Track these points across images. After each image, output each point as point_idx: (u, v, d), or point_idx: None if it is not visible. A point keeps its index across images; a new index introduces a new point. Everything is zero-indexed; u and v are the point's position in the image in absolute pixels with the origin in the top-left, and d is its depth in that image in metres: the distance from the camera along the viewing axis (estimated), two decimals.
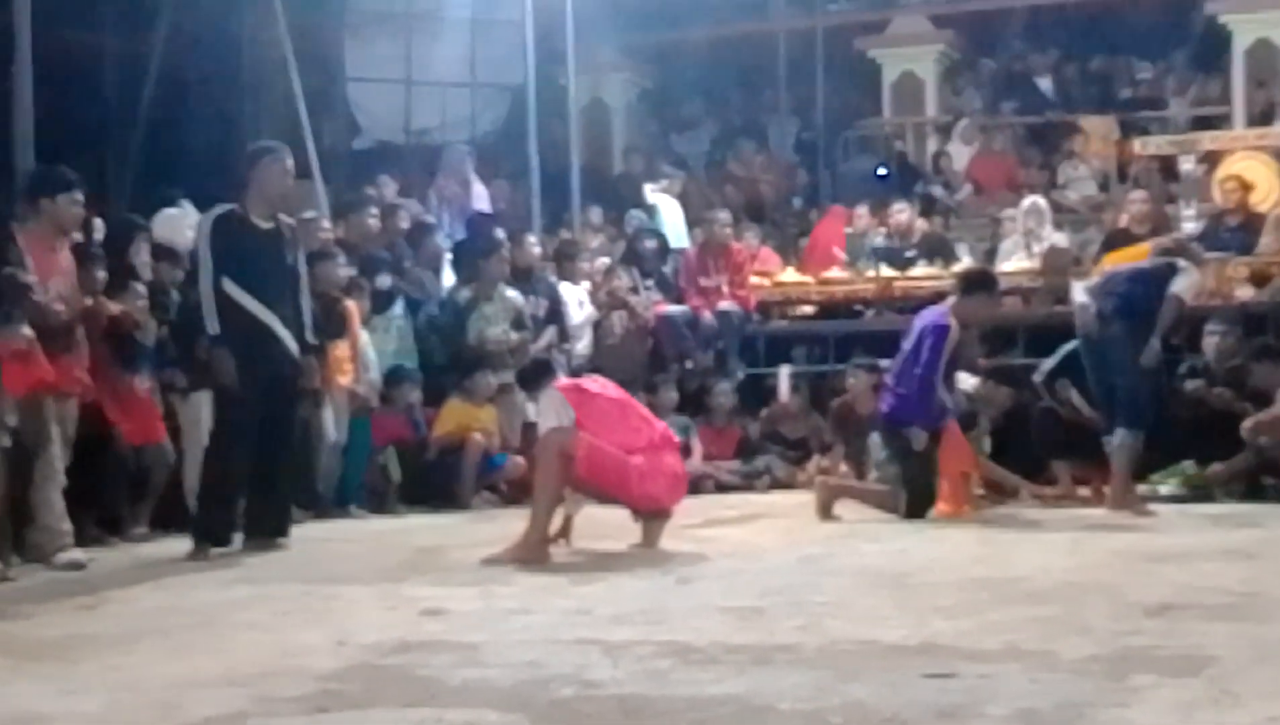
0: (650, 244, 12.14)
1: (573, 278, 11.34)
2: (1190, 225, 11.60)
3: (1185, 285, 8.09)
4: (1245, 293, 10.55)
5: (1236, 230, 11.08)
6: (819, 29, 15.93)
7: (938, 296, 10.10)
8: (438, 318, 10.28)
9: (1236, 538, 6.74)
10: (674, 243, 12.88)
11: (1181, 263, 8.21)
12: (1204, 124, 14.39)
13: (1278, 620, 4.49)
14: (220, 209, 7.23)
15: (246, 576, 6.32)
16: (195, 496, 7.47)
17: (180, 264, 8.64)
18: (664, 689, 3.76)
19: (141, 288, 8.09)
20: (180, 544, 7.23)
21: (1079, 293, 8.30)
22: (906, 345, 8.22)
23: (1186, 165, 12.21)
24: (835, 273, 12.25)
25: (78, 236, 7.55)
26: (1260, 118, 14.23)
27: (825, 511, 8.18)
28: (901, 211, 12.51)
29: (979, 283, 8.44)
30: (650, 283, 11.76)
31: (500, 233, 10.91)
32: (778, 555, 6.60)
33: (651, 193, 13.70)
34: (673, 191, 13.82)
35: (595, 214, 13.81)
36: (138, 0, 13.51)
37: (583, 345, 11.01)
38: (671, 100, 17.44)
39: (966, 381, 8.99)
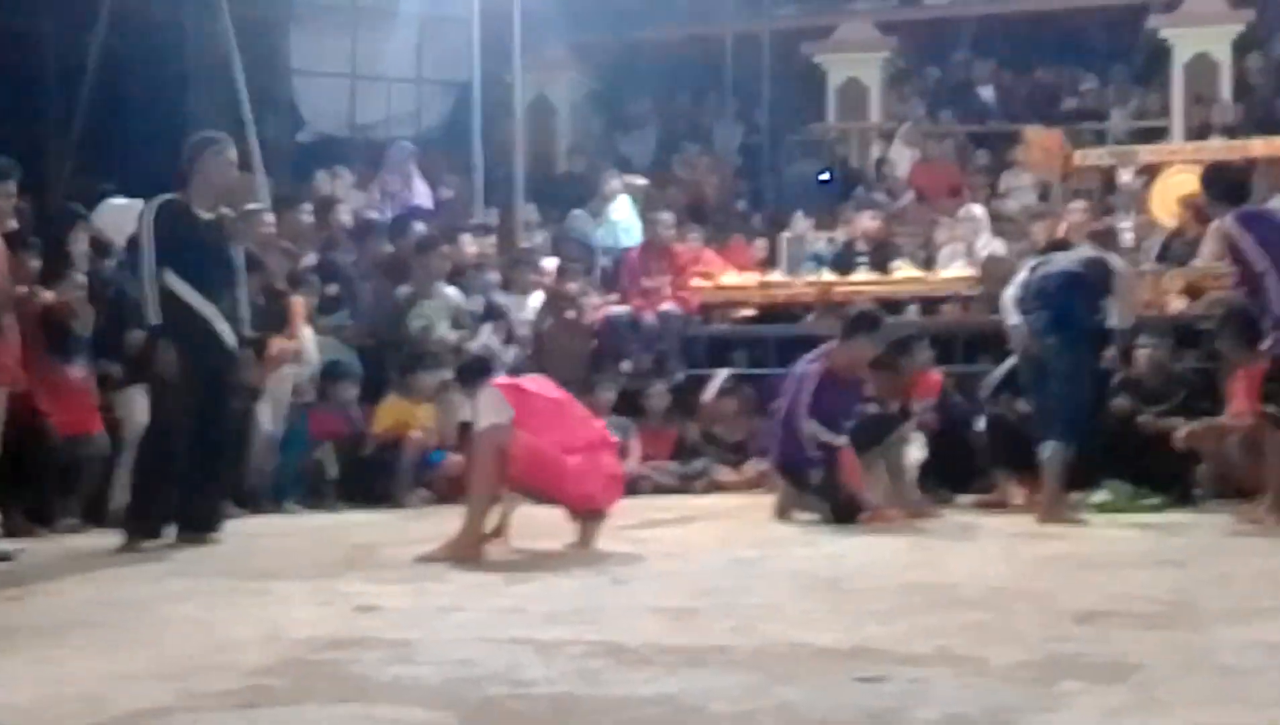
0: (575, 248, 12.12)
1: (524, 288, 11.29)
2: (1128, 236, 11.72)
3: (1125, 311, 8.14)
4: (1179, 304, 10.67)
5: (1189, 243, 11.21)
6: (766, 33, 15.97)
7: (878, 302, 10.23)
8: (376, 313, 10.24)
9: (1166, 546, 6.82)
10: (624, 240, 12.88)
11: (1115, 262, 8.23)
12: (1143, 136, 14.54)
13: (1205, 629, 4.54)
14: (162, 199, 7.18)
15: (178, 570, 6.28)
16: (129, 488, 7.40)
17: (114, 254, 8.58)
18: (596, 689, 3.77)
19: (80, 277, 8.01)
20: (111, 536, 7.18)
21: (1011, 312, 8.30)
22: (785, 388, 8.43)
23: (1125, 177, 12.32)
24: (776, 276, 12.29)
25: (12, 225, 7.46)
26: (1198, 132, 14.40)
27: (783, 513, 8.27)
28: (873, 219, 12.56)
29: (860, 325, 8.44)
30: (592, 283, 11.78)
31: (421, 227, 10.90)
32: (712, 557, 6.62)
33: (622, 183, 13.65)
34: (636, 192, 13.79)
35: (532, 211, 13.77)
36: None
37: (523, 346, 10.98)
38: (617, 101, 17.43)
39: None
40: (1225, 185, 7.53)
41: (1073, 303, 8.04)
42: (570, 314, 11.27)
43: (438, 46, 15.69)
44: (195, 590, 5.62)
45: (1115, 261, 8.33)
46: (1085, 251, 8.34)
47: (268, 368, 8.82)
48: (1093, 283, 8.08)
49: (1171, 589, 5.40)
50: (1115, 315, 8.06)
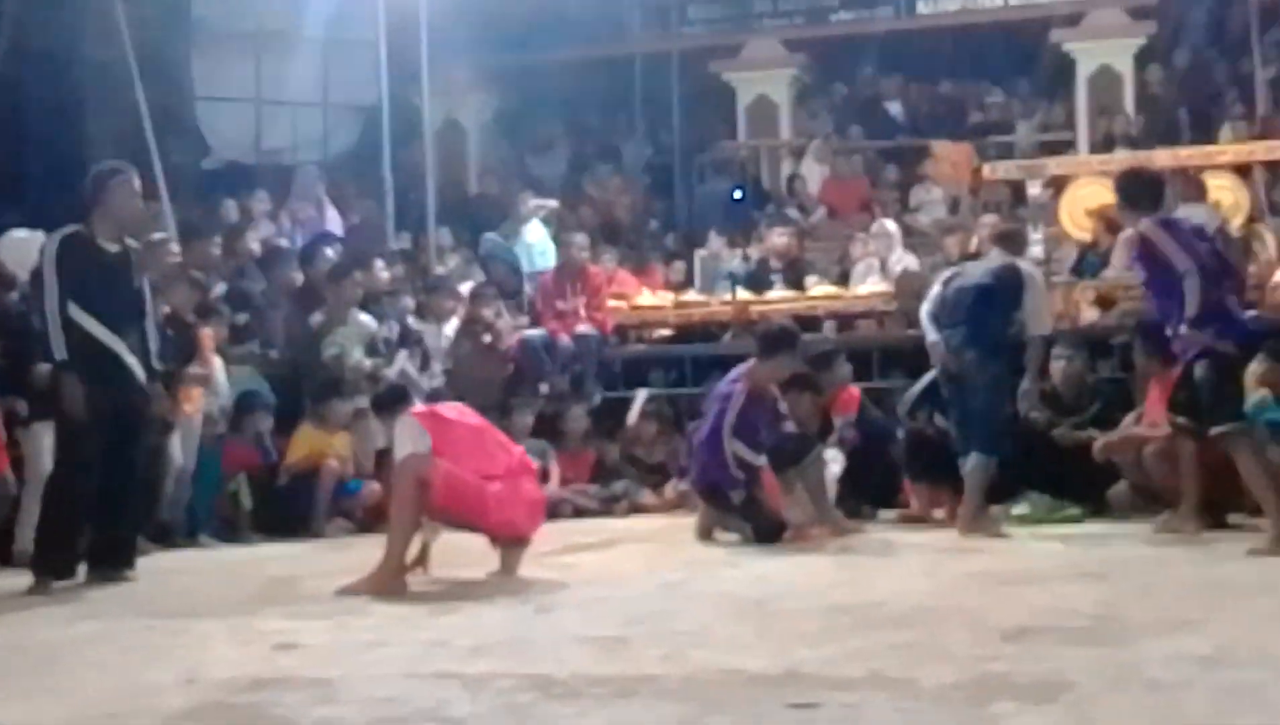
0: (502, 269, 12.07)
1: (438, 315, 11.19)
2: (1037, 248, 11.81)
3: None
4: (1091, 315, 10.78)
5: (1102, 255, 11.33)
6: (674, 52, 16.01)
7: (794, 319, 10.23)
8: (289, 342, 10.10)
9: (1088, 558, 6.85)
10: (539, 263, 12.83)
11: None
12: (1049, 149, 14.72)
13: (1132, 644, 4.55)
14: (65, 231, 7.01)
15: (91, 611, 6.14)
16: (36, 528, 7.22)
17: (17, 287, 8.39)
18: (525, 724, 3.70)
19: None
20: (20, 578, 6.98)
21: (928, 328, 8.33)
22: (705, 408, 8.43)
23: (1033, 190, 12.44)
24: (692, 296, 12.29)
25: None
26: (1102, 144, 14.60)
27: (705, 534, 8.26)
28: (781, 236, 12.59)
29: (779, 343, 8.44)
30: (510, 306, 11.71)
31: (331, 254, 10.79)
32: (638, 582, 6.56)
33: (534, 207, 13.59)
34: (549, 215, 13.74)
35: (445, 236, 13.69)
36: None
37: (439, 370, 10.88)
38: (527, 122, 17.39)
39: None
40: (1140, 190, 7.58)
41: (987, 316, 8.08)
42: (486, 339, 11.19)
43: (344, 70, 15.58)
44: (109, 632, 5.50)
45: (1025, 268, 8.35)
46: (995, 260, 8.34)
47: (178, 400, 8.66)
48: (1005, 293, 8.11)
49: (1096, 602, 5.42)
50: (1031, 323, 8.09)
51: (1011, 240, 8.67)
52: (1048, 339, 8.51)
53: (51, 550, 6.94)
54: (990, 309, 8.08)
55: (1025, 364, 8.18)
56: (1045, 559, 6.91)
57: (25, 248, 8.34)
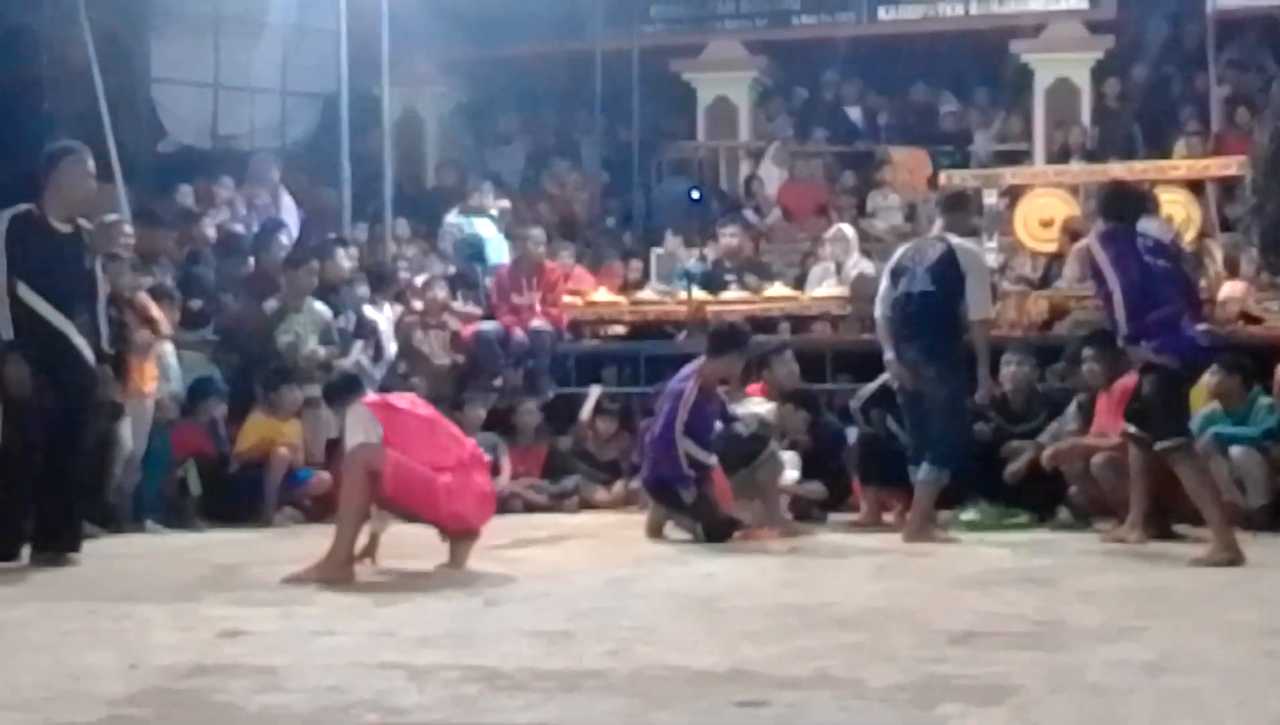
0: (466, 259, 12.07)
1: (386, 299, 11.16)
2: (991, 257, 11.89)
3: (981, 304, 8.11)
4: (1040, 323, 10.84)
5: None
6: (635, 50, 16.00)
7: (748, 320, 10.25)
8: (242, 329, 10.04)
9: (1034, 565, 6.88)
10: (491, 257, 12.82)
11: (963, 254, 8.10)
12: (1006, 159, 14.80)
13: (1076, 648, 4.58)
14: (16, 209, 6.95)
15: (33, 593, 6.09)
16: None
17: None
18: (471, 716, 3.70)
19: None
20: None
21: (885, 342, 8.28)
22: (657, 406, 8.43)
23: (989, 199, 12.52)
24: (647, 294, 12.29)
25: None
26: (1059, 155, 14.70)
27: (655, 532, 8.26)
28: (733, 236, 12.61)
29: (728, 341, 8.45)
30: (468, 297, 11.70)
31: (285, 241, 10.74)
32: (586, 577, 6.57)
33: (485, 203, 13.57)
34: (504, 214, 13.71)
35: (402, 226, 13.65)
36: None
37: (388, 360, 10.84)
38: (486, 115, 17.35)
39: (760, 407, 9.04)
40: (1114, 204, 7.64)
41: (940, 327, 8.05)
42: (439, 329, 11.16)
43: (304, 58, 15.48)
44: (51, 614, 5.44)
45: (964, 251, 8.16)
46: (935, 250, 8.16)
47: (127, 383, 8.58)
48: (950, 296, 8.03)
49: (1041, 608, 5.45)
50: (972, 307, 8.03)
51: (956, 205, 8.55)
52: (988, 322, 8.38)
53: None
54: (941, 317, 8.05)
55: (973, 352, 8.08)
56: (992, 564, 6.94)
57: None
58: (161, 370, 9.08)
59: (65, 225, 7.04)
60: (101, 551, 7.47)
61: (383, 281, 11.42)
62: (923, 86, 16.59)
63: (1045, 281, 11.53)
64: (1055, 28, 15.92)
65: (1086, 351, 8.74)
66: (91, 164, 7.28)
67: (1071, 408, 8.90)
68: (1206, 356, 7.70)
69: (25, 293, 6.81)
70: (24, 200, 7.03)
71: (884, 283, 8.43)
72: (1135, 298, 7.11)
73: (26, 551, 6.97)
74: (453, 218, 13.57)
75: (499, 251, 13.03)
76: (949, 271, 8.03)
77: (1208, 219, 12.04)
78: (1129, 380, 7.75)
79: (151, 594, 5.96)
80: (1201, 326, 8.39)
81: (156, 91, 15.36)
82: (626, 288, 12.77)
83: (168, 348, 9.19)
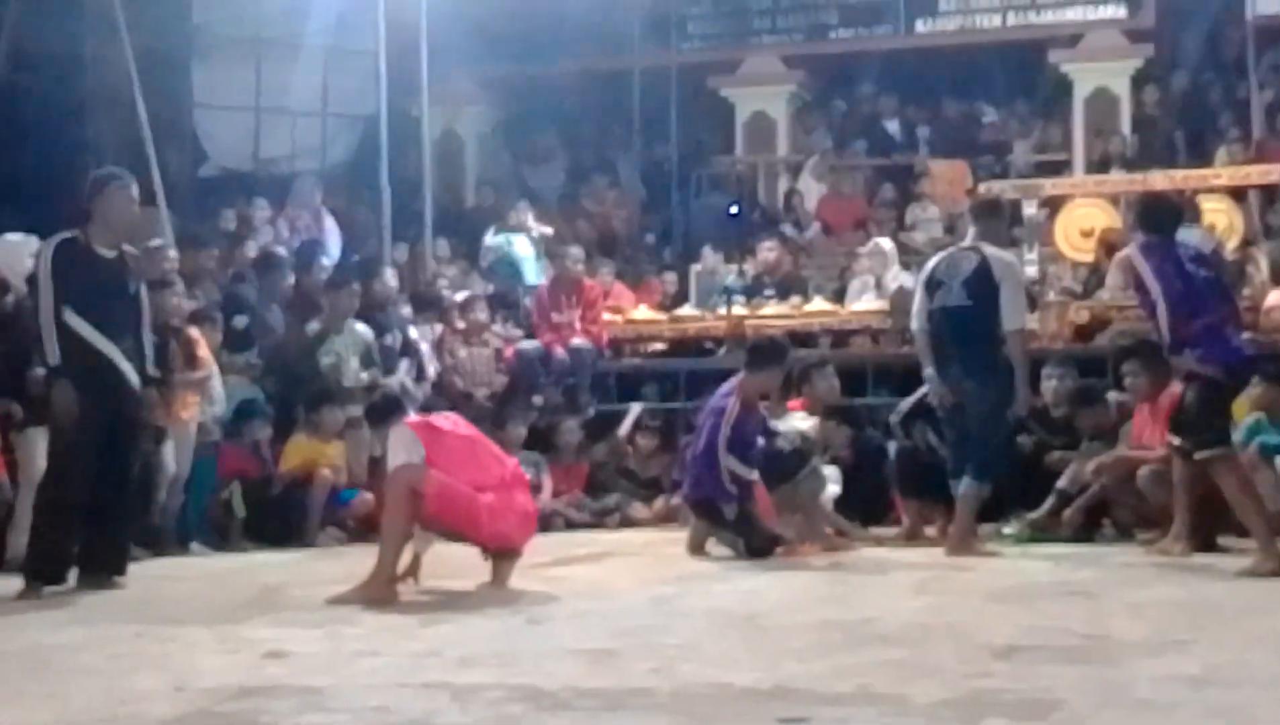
0: (506, 279, 12.12)
1: (428, 320, 11.21)
2: (1032, 269, 11.85)
3: (1016, 315, 8.03)
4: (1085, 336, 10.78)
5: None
6: (673, 67, 16.02)
7: (789, 334, 10.25)
8: (285, 351, 10.10)
9: (1077, 578, 6.85)
10: (528, 277, 12.86)
11: (997, 265, 8.02)
12: (1046, 170, 14.74)
13: (1121, 662, 4.57)
14: (62, 236, 7.02)
15: (81, 617, 6.13)
16: (29, 533, 7.21)
17: (12, 291, 8.38)
18: None
19: None
20: (11, 583, 6.98)
21: (925, 359, 8.23)
22: (699, 422, 8.41)
23: (1029, 210, 12.47)
24: (687, 310, 12.30)
25: None
26: (1098, 165, 14.63)
27: (696, 549, 8.25)
28: (771, 250, 12.60)
29: (768, 356, 8.45)
30: (507, 316, 11.74)
31: (327, 262, 10.80)
32: (629, 595, 6.58)
33: (524, 222, 13.62)
34: (543, 237, 13.75)
35: (442, 246, 13.71)
36: None
37: (431, 382, 10.89)
38: (525, 133, 17.39)
39: (802, 423, 9.02)
40: (1152, 215, 7.62)
41: (977, 342, 7.99)
42: (482, 348, 11.20)
43: (343, 79, 15.56)
44: (99, 638, 5.49)
45: (997, 263, 8.06)
46: (970, 262, 8.10)
47: (172, 407, 8.65)
48: (986, 309, 7.97)
49: (1086, 621, 5.44)
50: (1005, 317, 7.95)
51: (988, 212, 8.50)
52: (1024, 333, 8.30)
53: (43, 555, 6.94)
54: (979, 330, 7.98)
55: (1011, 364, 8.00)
56: (1036, 578, 6.91)
57: (17, 251, 8.32)
58: (204, 394, 9.14)
59: (110, 251, 7.10)
60: (147, 574, 7.52)
61: (427, 304, 11.47)
62: (961, 98, 16.55)
63: (1087, 292, 11.47)
64: (1093, 37, 15.84)
65: (1127, 365, 8.69)
66: (136, 190, 7.34)
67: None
68: (1250, 366, 7.64)
69: (71, 318, 6.87)
70: (69, 227, 7.10)
71: (918, 296, 8.38)
72: (1178, 308, 7.09)
73: (73, 575, 7.02)
74: (491, 238, 13.63)
75: (536, 271, 13.08)
76: (984, 283, 7.97)
77: (1250, 227, 11.97)
78: (1174, 392, 7.70)
79: (197, 616, 6.00)
80: (1245, 335, 8.34)
81: (198, 116, 15.45)
82: (665, 304, 12.79)
83: (212, 369, 9.25)
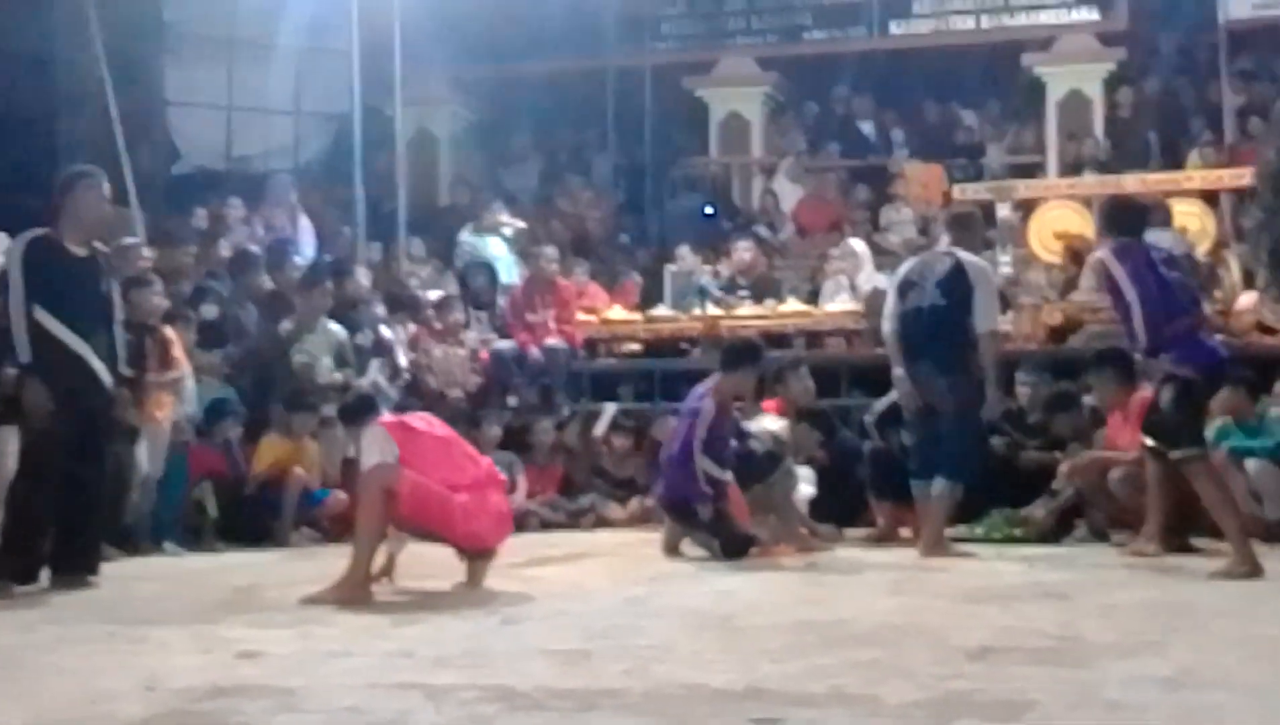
0: (480, 278, 12.12)
1: (401, 319, 11.20)
2: (1006, 270, 11.90)
3: (989, 317, 8.05)
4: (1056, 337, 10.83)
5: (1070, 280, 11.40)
6: (648, 67, 16.04)
7: (763, 335, 10.28)
8: (257, 350, 10.07)
9: (1051, 579, 6.87)
10: (502, 277, 12.85)
11: (970, 267, 8.06)
12: (1020, 171, 14.80)
13: (1094, 664, 4.58)
14: (32, 233, 6.99)
15: (52, 617, 6.10)
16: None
17: None
18: None
19: None
20: None
21: (895, 359, 8.25)
22: (676, 425, 8.41)
23: (1003, 211, 12.53)
24: (662, 311, 12.31)
25: None
26: (1072, 167, 14.69)
27: (671, 549, 8.26)
28: (746, 251, 12.62)
29: (743, 357, 8.46)
30: (483, 316, 11.72)
31: (300, 261, 10.79)
32: (603, 596, 6.58)
33: (498, 221, 13.61)
34: (518, 234, 13.74)
35: (417, 245, 13.69)
36: None
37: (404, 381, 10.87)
38: (499, 133, 17.39)
39: (773, 424, 9.03)
40: (1119, 216, 7.66)
41: (949, 340, 8.02)
42: (457, 348, 11.19)
43: (317, 78, 15.56)
44: (70, 637, 5.47)
45: (971, 264, 8.11)
46: (943, 264, 8.15)
47: (144, 406, 8.62)
48: (959, 308, 8.01)
49: (1058, 622, 5.45)
50: (978, 320, 7.98)
51: (963, 224, 8.53)
52: (997, 335, 8.31)
53: (13, 554, 6.90)
54: (952, 330, 8.02)
55: (983, 366, 8.03)
56: (1009, 579, 6.93)
57: None
58: (178, 393, 9.11)
59: (81, 249, 7.07)
60: (119, 574, 7.48)
61: (401, 304, 11.45)
62: (935, 100, 16.60)
63: (1061, 294, 11.52)
64: (1067, 40, 15.91)
65: (1093, 377, 8.73)
66: (107, 188, 7.33)
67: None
68: (1225, 367, 7.68)
69: (42, 316, 6.84)
70: (40, 225, 7.07)
71: (891, 298, 8.42)
72: (1154, 310, 7.12)
73: (45, 574, 6.98)
74: (465, 236, 13.61)
75: (510, 270, 13.08)
76: (958, 285, 8.01)
77: (1222, 229, 12.04)
78: (1144, 395, 7.74)
79: (169, 616, 5.97)
80: (1217, 337, 8.38)
81: (171, 114, 15.44)
82: (640, 305, 12.79)
83: (185, 368, 9.22)
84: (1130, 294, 7.17)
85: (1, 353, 7.41)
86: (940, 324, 8.04)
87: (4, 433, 7.72)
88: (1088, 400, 9.20)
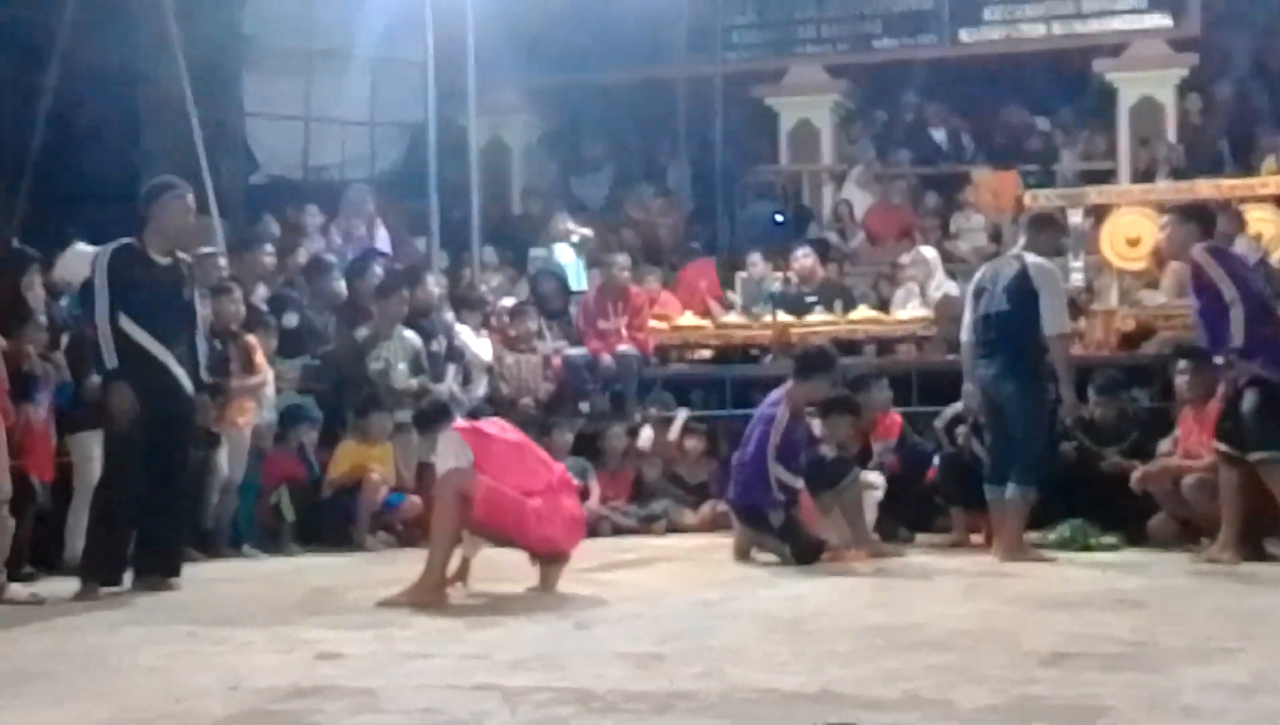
0: (550, 286, 12.20)
1: (472, 323, 11.31)
2: (1078, 277, 11.82)
3: (1056, 319, 8.01)
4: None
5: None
6: (718, 76, 16.08)
7: (834, 342, 10.27)
8: (334, 356, 10.21)
9: (1126, 585, 6.83)
10: (570, 285, 12.93)
11: (1035, 273, 8.01)
12: (1091, 178, 14.69)
13: (1169, 670, 4.56)
14: (117, 243, 7.14)
15: (136, 617, 6.22)
16: (84, 534, 7.32)
17: (66, 297, 8.51)
18: None
19: (42, 320, 7.97)
20: (68, 584, 7.10)
21: (966, 368, 8.27)
22: (748, 430, 8.43)
23: (1075, 218, 12.43)
24: (733, 318, 12.34)
25: None
26: (1143, 173, 14.58)
27: (742, 554, 8.29)
28: (806, 257, 12.63)
29: (816, 365, 8.46)
30: (553, 324, 11.80)
31: (379, 270, 10.91)
32: (676, 600, 6.61)
33: (566, 230, 13.69)
34: (585, 242, 13.81)
35: (489, 254, 13.81)
36: (30, 31, 13.30)
37: (480, 388, 10.96)
38: (571, 143, 17.49)
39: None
40: (1211, 223, 7.66)
41: (1018, 344, 8.01)
42: (529, 356, 11.28)
43: (392, 89, 15.74)
44: (153, 637, 5.57)
45: (1035, 270, 8.05)
46: (1011, 268, 8.14)
47: (225, 412, 8.76)
48: (1026, 312, 7.98)
49: (1133, 629, 5.43)
50: (1046, 322, 7.94)
51: (1038, 226, 8.47)
52: (1066, 338, 8.25)
53: (99, 557, 7.05)
54: (1019, 335, 8.01)
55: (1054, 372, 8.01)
56: (1083, 585, 6.90)
57: (85, 260, 8.45)
58: (258, 399, 9.25)
59: (165, 258, 7.20)
60: (200, 576, 7.61)
61: (467, 303, 11.55)
62: (1006, 106, 16.51)
63: (1133, 300, 11.43)
64: (1139, 46, 15.79)
65: (1181, 364, 8.66)
66: (191, 199, 7.46)
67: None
68: None
69: (127, 324, 6.97)
70: (125, 234, 7.21)
71: (967, 307, 8.43)
72: (1253, 312, 7.10)
73: (129, 577, 7.13)
74: (536, 250, 13.74)
75: (579, 278, 13.15)
76: (1023, 289, 8.00)
77: None
78: (1217, 400, 7.69)
79: (250, 617, 6.07)
80: None
81: (249, 125, 15.67)
82: (717, 295, 12.82)
83: (268, 374, 9.36)
84: (1230, 293, 7.15)
85: (87, 360, 7.59)
86: (1008, 329, 8.03)
87: (89, 438, 7.88)
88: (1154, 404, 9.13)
